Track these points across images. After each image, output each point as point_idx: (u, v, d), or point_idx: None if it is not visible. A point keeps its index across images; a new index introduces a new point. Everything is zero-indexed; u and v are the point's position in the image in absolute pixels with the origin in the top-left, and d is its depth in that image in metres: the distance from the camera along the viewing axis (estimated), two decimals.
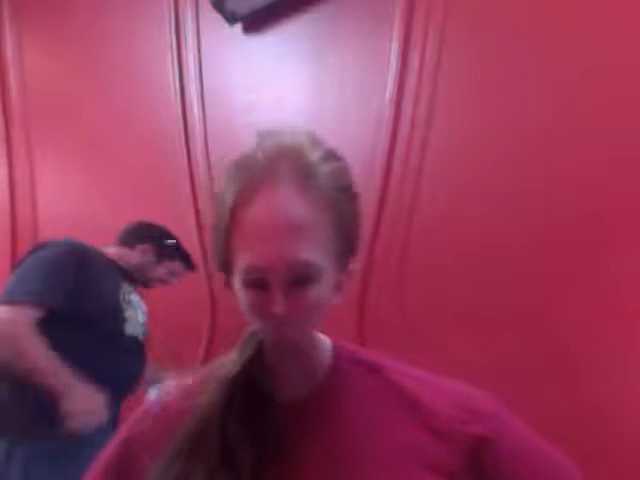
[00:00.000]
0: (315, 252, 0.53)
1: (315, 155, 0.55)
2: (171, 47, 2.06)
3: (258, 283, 0.54)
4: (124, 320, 1.46)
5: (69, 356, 1.30)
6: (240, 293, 0.57)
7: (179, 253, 1.73)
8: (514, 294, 1.30)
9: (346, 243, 0.58)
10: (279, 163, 0.54)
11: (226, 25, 1.87)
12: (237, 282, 0.56)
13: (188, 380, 0.68)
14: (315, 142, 0.57)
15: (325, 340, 0.66)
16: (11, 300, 1.30)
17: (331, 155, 0.57)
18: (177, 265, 1.72)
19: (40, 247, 1.43)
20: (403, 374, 0.63)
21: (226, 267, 0.58)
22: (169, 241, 1.71)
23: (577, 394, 1.19)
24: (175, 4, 2.07)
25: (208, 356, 1.86)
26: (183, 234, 1.80)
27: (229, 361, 0.63)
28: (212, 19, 1.89)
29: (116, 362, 1.44)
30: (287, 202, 0.53)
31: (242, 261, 0.54)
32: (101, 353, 1.39)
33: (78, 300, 1.35)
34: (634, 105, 1.19)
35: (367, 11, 1.63)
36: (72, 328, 1.35)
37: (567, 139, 1.27)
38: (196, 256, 1.82)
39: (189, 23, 2.03)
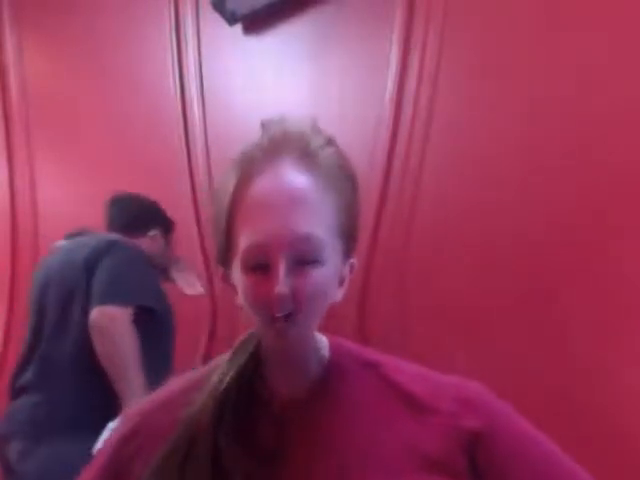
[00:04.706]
0: (318, 228, 0.54)
1: (318, 139, 0.58)
2: (171, 47, 2.06)
3: (260, 266, 0.53)
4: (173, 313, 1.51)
5: (145, 350, 1.36)
6: (240, 282, 0.56)
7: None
8: (515, 294, 1.30)
9: (348, 229, 0.58)
10: (283, 145, 0.56)
11: (226, 25, 1.87)
12: (237, 270, 0.56)
13: (184, 380, 0.66)
14: (317, 129, 0.60)
15: (322, 338, 0.65)
16: (108, 301, 1.35)
17: (332, 141, 0.60)
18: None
19: (108, 250, 1.43)
20: (399, 371, 0.63)
21: (226, 255, 0.58)
22: (168, 218, 1.66)
23: (577, 395, 1.19)
24: (175, 4, 2.07)
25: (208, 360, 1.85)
26: (183, 234, 1.79)
27: (223, 366, 0.62)
28: (212, 19, 1.89)
29: (170, 352, 1.50)
30: (290, 177, 0.54)
31: (244, 239, 0.54)
32: (166, 345, 1.48)
33: (158, 298, 1.44)
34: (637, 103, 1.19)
35: (367, 12, 1.63)
36: (152, 325, 1.40)
37: (569, 138, 1.27)
38: (197, 257, 1.82)
39: (189, 23, 2.03)
